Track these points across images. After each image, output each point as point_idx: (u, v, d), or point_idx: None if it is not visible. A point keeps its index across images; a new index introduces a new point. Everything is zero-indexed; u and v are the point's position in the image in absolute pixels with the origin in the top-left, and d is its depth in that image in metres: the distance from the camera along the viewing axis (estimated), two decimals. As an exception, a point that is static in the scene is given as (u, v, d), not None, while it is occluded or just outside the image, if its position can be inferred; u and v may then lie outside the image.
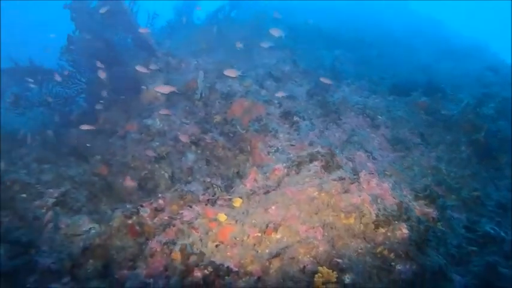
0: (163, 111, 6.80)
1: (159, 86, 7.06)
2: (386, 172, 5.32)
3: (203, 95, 7.12)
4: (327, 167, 4.36)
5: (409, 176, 5.68)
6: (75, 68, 9.89)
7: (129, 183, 5.77)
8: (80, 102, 10.35)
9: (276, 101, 7.00)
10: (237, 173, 5.67)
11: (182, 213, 4.44)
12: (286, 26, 11.05)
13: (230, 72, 6.86)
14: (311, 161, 4.55)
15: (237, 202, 3.88)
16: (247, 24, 9.94)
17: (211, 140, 6.25)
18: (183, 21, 11.32)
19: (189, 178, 5.91)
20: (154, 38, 8.33)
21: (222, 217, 3.55)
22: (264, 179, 4.36)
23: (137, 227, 4.93)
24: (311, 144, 5.80)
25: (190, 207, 4.54)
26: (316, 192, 3.79)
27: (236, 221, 3.57)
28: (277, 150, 5.73)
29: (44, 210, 5.60)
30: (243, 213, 3.72)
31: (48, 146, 7.76)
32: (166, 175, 6.12)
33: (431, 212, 4.30)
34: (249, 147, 6.12)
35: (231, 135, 6.44)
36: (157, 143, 6.55)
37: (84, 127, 6.84)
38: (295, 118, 6.57)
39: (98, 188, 6.39)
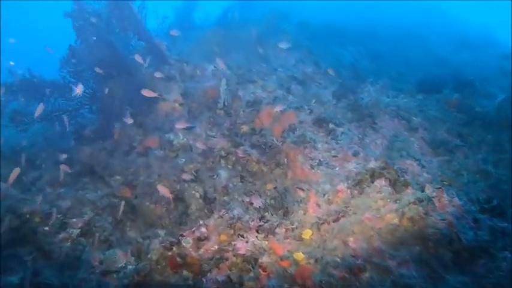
0: (180, 125, 6.29)
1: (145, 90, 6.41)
2: (444, 182, 4.94)
3: (226, 103, 6.63)
4: (395, 185, 3.95)
5: (461, 183, 5.31)
6: (77, 80, 9.34)
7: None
8: (85, 114, 9.80)
9: (306, 107, 6.55)
10: (284, 191, 5.20)
11: (235, 244, 4.00)
12: (297, 23, 10.63)
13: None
14: (373, 177, 4.14)
15: (307, 234, 3.45)
16: (258, 24, 9.43)
17: (243, 153, 5.78)
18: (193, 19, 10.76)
19: (225, 198, 5.45)
20: (165, 43, 7.78)
21: (299, 256, 3.11)
22: (327, 203, 3.93)
23: (178, 259, 4.46)
24: (356, 154, 5.37)
25: (243, 237, 4.10)
26: (397, 219, 3.38)
27: (316, 260, 3.14)
28: (320, 164, 5.29)
29: (69, 244, 5.10)
30: (319, 247, 3.28)
31: (60, 166, 7.20)
32: (198, 195, 5.64)
33: (506, 227, 3.93)
34: (285, 160, 5.67)
35: (263, 147, 5.98)
36: (183, 160, 6.07)
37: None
38: (331, 125, 6.13)
39: (122, 212, 5.89)
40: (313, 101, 6.85)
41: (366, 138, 5.92)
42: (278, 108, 6.16)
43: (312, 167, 5.25)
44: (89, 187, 6.56)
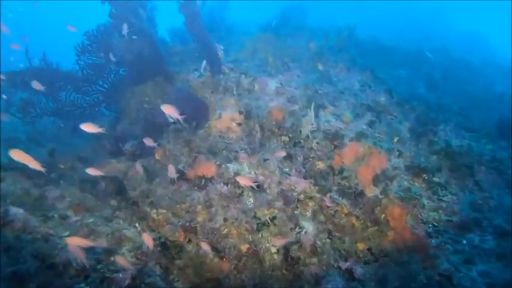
0: (251, 159, 5.18)
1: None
2: None
3: (311, 136, 5.53)
4: None
5: None
6: (96, 72, 8.09)
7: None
8: (103, 111, 8.58)
9: (394, 148, 5.54)
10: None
11: None
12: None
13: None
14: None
15: None
16: (313, 34, 8.37)
17: (331, 203, 4.70)
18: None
19: (313, 259, 4.35)
20: (222, 47, 6.56)
21: None
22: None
23: None
24: (478, 223, 4.40)
25: None
26: None
27: None
28: (437, 231, 4.29)
29: (118, 308, 3.88)
30: None
31: (79, 180, 5.92)
32: (274, 250, 4.52)
33: None
34: (382, 216, 4.63)
35: (353, 195, 4.92)
36: (251, 200, 4.92)
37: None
38: (429, 175, 5.15)
39: (169, 259, 4.69)
40: (396, 139, 5.85)
41: (470, 196, 4.96)
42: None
43: (429, 234, 4.23)
44: (120, 216, 5.31)
